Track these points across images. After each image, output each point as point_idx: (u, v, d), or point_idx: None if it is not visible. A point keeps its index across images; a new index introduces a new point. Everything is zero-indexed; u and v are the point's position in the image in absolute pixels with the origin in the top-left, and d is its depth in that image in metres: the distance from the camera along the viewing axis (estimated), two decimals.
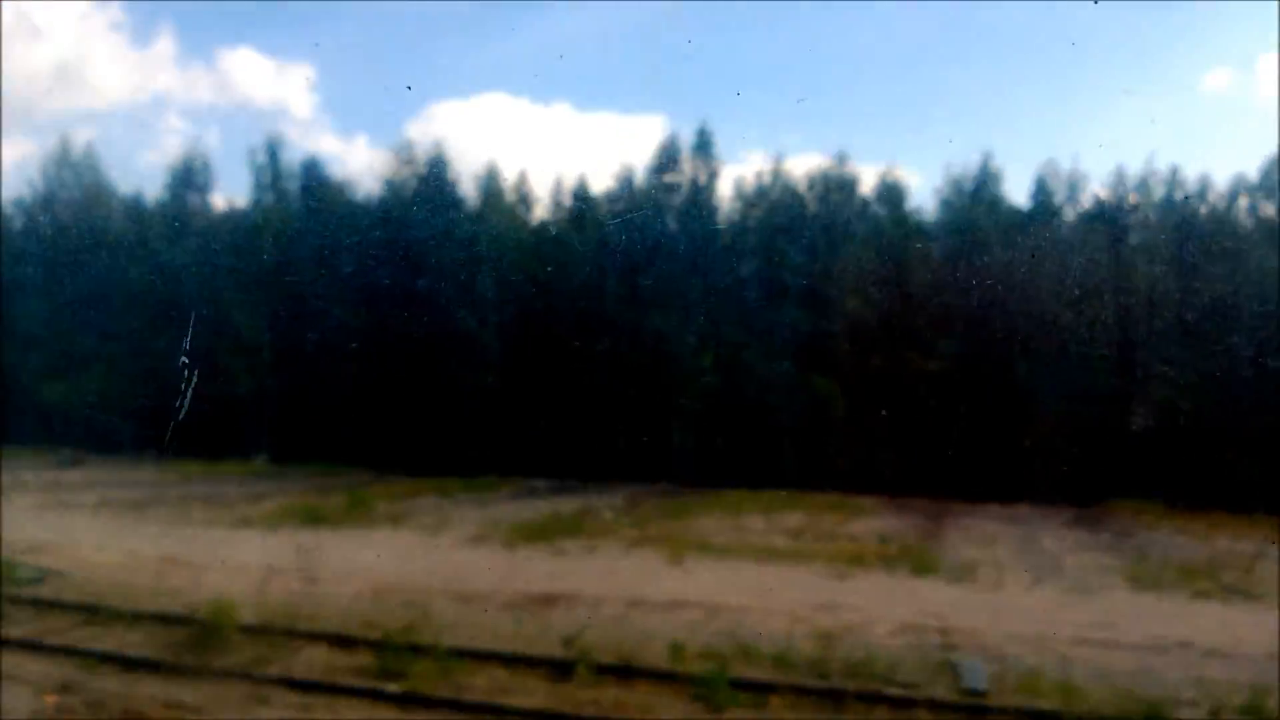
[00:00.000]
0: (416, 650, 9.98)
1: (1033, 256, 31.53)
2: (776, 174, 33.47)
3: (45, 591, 12.94)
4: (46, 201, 33.75)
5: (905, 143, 60.25)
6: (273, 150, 34.81)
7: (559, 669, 9.70)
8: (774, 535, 23.96)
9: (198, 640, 10.49)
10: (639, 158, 62.01)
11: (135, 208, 33.63)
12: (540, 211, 36.66)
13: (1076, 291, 30.77)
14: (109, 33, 62.18)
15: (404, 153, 35.10)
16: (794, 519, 26.21)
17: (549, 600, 14.62)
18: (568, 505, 27.17)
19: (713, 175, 33.82)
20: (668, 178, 33.68)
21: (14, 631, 10.85)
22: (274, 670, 9.70)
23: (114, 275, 25.94)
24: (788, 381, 32.15)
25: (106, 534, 19.17)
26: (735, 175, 43.86)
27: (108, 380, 30.34)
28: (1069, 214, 33.31)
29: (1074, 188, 30.93)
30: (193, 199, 34.46)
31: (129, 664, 9.69)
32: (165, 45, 61.43)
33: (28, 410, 30.58)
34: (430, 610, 12.77)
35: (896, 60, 48.21)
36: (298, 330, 32.19)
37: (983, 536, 24.55)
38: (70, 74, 57.59)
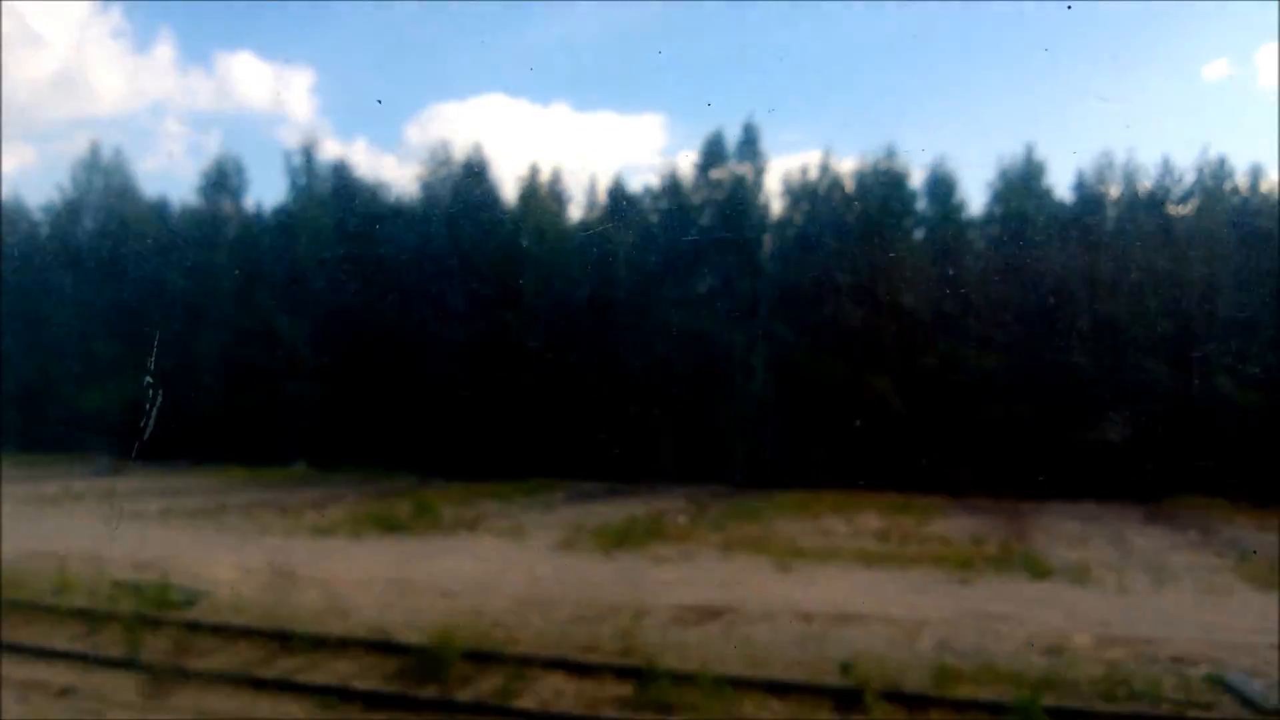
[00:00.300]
0: (677, 679, 9.29)
1: (1085, 249, 31.33)
2: (824, 168, 32.94)
3: (207, 615, 12.09)
4: (75, 207, 32.36)
5: (902, 140, 60.32)
6: (308, 153, 33.72)
7: (838, 698, 9.07)
8: (859, 538, 23.46)
9: (424, 669, 9.73)
10: (638, 156, 61.47)
11: (163, 213, 32.41)
12: (575, 211, 35.92)
13: (1129, 284, 30.66)
14: (109, 39, 60.67)
15: (440, 153, 34.18)
16: (870, 521, 25.75)
17: (713, 613, 13.98)
18: (633, 509, 26.48)
19: (760, 172, 33.25)
20: (713, 174, 33.05)
21: (216, 663, 10.02)
22: (531, 703, 8.99)
23: (148, 281, 24.96)
24: (841, 380, 31.68)
25: (200, 547, 18.27)
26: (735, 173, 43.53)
27: (141, 386, 29.21)
28: (1112, 208, 33.17)
29: (1129, 179, 30.73)
30: (225, 204, 33.28)
31: (373, 700, 8.91)
32: (165, 50, 60.07)
33: (56, 416, 29.45)
34: (617, 628, 12.11)
35: (893, 59, 48.26)
36: (333, 335, 31.30)
37: (1069, 536, 24.23)
38: (71, 80, 56.12)
